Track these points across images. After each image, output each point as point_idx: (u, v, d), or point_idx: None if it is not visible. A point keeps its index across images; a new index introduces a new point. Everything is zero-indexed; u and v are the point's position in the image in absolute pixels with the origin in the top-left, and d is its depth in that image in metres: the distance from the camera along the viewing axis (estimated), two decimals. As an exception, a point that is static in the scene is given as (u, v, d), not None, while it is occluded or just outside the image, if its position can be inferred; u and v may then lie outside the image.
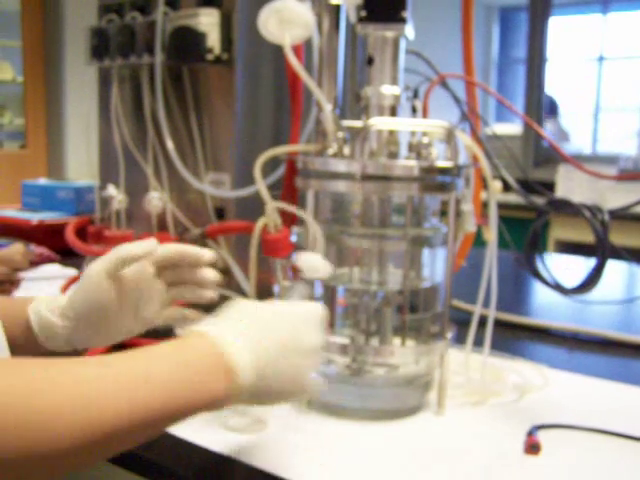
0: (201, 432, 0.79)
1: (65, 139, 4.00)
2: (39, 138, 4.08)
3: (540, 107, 4.30)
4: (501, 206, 0.91)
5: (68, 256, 1.50)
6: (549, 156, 4.22)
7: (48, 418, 0.46)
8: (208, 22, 1.13)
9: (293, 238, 0.88)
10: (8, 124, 4.24)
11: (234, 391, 0.57)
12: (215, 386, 0.56)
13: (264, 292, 0.95)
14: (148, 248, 0.72)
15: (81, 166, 3.52)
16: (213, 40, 1.13)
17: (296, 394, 0.64)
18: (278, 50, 0.85)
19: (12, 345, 0.69)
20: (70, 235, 1.36)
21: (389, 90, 0.87)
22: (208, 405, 0.56)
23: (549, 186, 3.56)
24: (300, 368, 0.62)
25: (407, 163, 0.82)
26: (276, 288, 0.87)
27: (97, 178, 1.46)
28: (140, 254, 0.71)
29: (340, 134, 0.85)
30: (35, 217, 1.72)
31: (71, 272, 1.44)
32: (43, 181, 2.03)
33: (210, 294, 0.80)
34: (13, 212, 1.82)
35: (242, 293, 1.10)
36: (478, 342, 0.92)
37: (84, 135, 1.39)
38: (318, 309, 0.68)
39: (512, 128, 4.40)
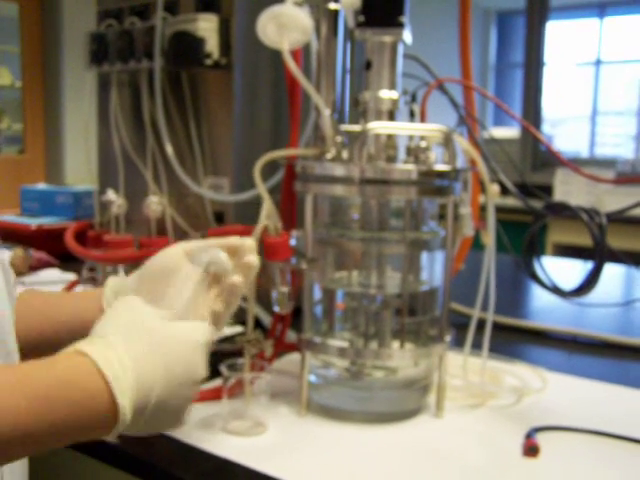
0: (202, 435, 0.79)
1: (64, 144, 4.01)
2: (37, 143, 4.08)
3: (538, 111, 4.31)
4: (499, 210, 0.91)
5: (67, 261, 1.50)
6: (547, 160, 4.23)
7: None
8: (207, 27, 1.13)
9: (292, 242, 0.88)
10: (6, 129, 4.24)
11: (116, 425, 0.55)
12: (102, 423, 0.54)
13: (262, 296, 0.96)
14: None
15: (80, 171, 3.52)
16: (212, 45, 1.13)
17: (174, 425, 0.60)
18: (277, 55, 0.85)
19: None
20: (70, 240, 1.36)
21: (387, 94, 0.87)
22: (95, 432, 0.55)
23: (547, 190, 3.56)
24: (185, 401, 0.58)
25: (405, 167, 0.83)
26: (274, 293, 0.87)
27: (96, 183, 1.47)
28: (227, 268, 0.69)
29: (338, 138, 0.85)
30: (34, 222, 1.72)
31: (71, 277, 1.44)
32: (42, 186, 2.03)
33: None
34: (12, 217, 1.82)
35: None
36: (477, 345, 0.92)
37: (83, 140, 1.39)
38: (204, 332, 0.61)
39: (510, 132, 4.41)
